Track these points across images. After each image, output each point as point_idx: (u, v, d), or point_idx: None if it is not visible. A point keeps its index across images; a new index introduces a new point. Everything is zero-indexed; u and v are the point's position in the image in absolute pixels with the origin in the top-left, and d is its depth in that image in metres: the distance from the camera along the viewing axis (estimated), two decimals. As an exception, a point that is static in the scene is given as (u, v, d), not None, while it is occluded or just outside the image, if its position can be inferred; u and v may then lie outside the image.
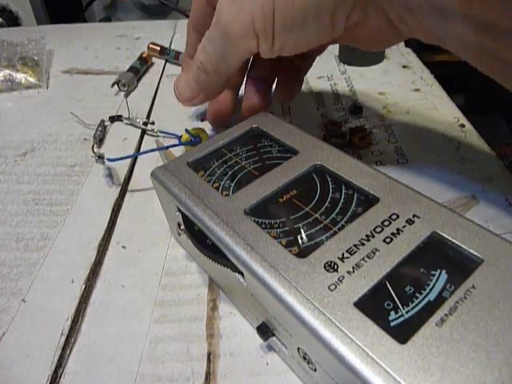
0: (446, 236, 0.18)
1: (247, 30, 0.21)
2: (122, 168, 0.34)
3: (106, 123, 0.39)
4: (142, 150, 0.36)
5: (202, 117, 0.38)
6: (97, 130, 0.37)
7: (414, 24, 0.19)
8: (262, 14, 0.20)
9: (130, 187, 0.32)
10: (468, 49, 0.18)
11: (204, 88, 0.25)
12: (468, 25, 0.17)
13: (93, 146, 0.35)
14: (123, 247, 0.28)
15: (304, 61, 0.31)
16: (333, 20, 0.20)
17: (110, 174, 0.33)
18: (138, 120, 0.38)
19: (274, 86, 0.32)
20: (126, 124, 0.39)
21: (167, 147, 0.29)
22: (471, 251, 0.17)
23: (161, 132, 0.37)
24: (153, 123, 0.38)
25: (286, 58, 0.24)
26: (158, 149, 0.29)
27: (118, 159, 0.29)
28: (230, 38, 0.21)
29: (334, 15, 0.20)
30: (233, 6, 0.20)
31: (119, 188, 0.32)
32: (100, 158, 0.31)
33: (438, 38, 0.19)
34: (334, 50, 0.48)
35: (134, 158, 0.35)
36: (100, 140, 0.37)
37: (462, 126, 0.35)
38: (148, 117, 0.40)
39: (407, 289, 0.16)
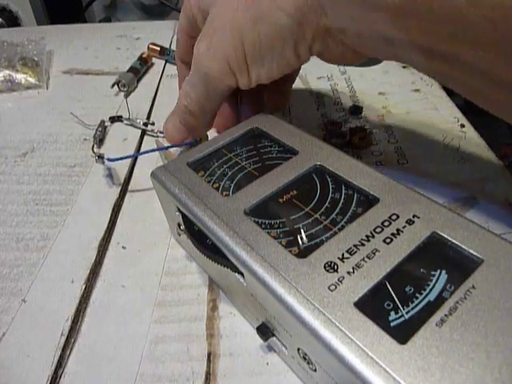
0: (445, 236, 0.18)
1: (224, 70, 0.23)
2: (122, 168, 0.34)
3: (106, 124, 0.39)
4: (142, 150, 0.36)
5: None
6: (97, 130, 0.37)
7: (370, 49, 0.22)
8: (234, 54, 0.22)
9: (130, 187, 0.32)
10: (422, 67, 0.20)
11: (191, 128, 0.27)
12: (414, 49, 0.18)
13: (93, 146, 0.35)
14: (123, 247, 0.28)
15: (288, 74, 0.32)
16: (296, 52, 0.22)
17: (110, 174, 0.33)
18: (138, 120, 0.38)
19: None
20: (126, 124, 0.39)
21: (167, 147, 0.29)
22: (471, 251, 0.17)
23: (160, 132, 0.37)
24: (153, 124, 0.38)
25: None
26: (158, 149, 0.29)
27: (118, 159, 0.29)
28: (210, 79, 0.24)
29: (296, 49, 0.22)
30: (209, 52, 0.23)
31: (119, 188, 0.32)
32: (100, 157, 0.31)
33: (395, 58, 0.21)
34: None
35: (134, 159, 0.35)
36: (100, 140, 0.37)
37: (462, 126, 0.35)
38: (148, 117, 0.40)
39: (407, 289, 0.16)
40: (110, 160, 0.30)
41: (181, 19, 0.29)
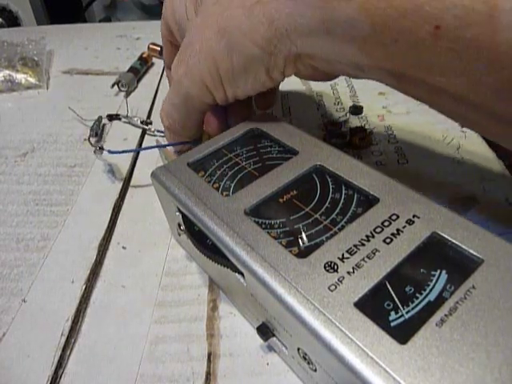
0: (446, 236, 0.18)
1: (202, 91, 0.24)
2: (122, 169, 0.34)
3: (104, 120, 0.39)
4: (140, 155, 0.35)
5: None
6: (94, 123, 0.37)
7: (340, 72, 0.23)
8: (210, 78, 0.23)
9: (130, 188, 0.32)
10: (396, 89, 0.21)
11: (182, 138, 0.29)
12: (384, 74, 0.19)
13: (89, 137, 0.35)
14: (123, 247, 0.28)
15: None
16: (270, 76, 0.23)
17: (112, 170, 0.33)
18: (135, 119, 0.38)
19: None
20: (124, 122, 0.39)
21: (168, 145, 0.29)
22: (471, 251, 0.17)
23: (158, 131, 0.37)
24: (150, 123, 0.38)
25: None
26: (159, 146, 0.29)
27: (118, 152, 0.29)
28: (190, 99, 0.25)
29: (269, 74, 0.23)
30: (187, 76, 0.24)
31: (119, 188, 0.32)
32: (100, 149, 0.31)
33: (367, 78, 0.22)
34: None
35: (135, 159, 0.35)
36: (96, 133, 0.37)
37: (463, 126, 0.35)
38: (148, 117, 0.40)
39: (407, 289, 0.16)
40: (110, 152, 0.30)
41: (161, 28, 0.30)
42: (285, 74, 0.23)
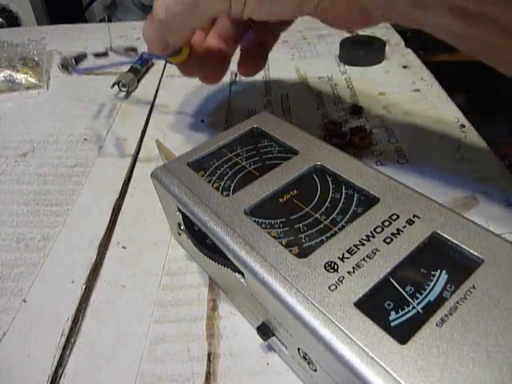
0: (446, 236, 0.18)
1: None
2: (122, 169, 0.34)
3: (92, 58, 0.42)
4: (140, 155, 0.35)
5: (202, 118, 0.38)
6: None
7: (393, 14, 0.20)
8: None
9: (130, 188, 0.32)
10: (453, 35, 0.18)
11: (170, 41, 0.25)
12: (455, 15, 0.17)
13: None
14: (123, 247, 0.28)
15: (269, 36, 0.30)
16: (301, 4, 0.20)
17: (112, 170, 0.33)
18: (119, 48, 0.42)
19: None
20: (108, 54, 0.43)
21: (148, 60, 0.28)
22: (471, 251, 0.17)
23: (141, 60, 0.39)
24: (134, 49, 0.41)
25: (251, 29, 0.25)
26: (128, 62, 0.29)
27: (89, 68, 0.29)
28: (204, 1, 0.21)
29: (303, 1, 0.20)
30: None
31: (119, 188, 0.32)
32: (64, 67, 0.31)
33: (420, 25, 0.19)
34: (334, 49, 0.48)
35: (135, 159, 0.35)
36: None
37: (462, 126, 0.35)
38: (148, 118, 0.40)
39: (408, 289, 0.16)
40: (75, 71, 0.29)
41: None
42: (319, 6, 0.20)
